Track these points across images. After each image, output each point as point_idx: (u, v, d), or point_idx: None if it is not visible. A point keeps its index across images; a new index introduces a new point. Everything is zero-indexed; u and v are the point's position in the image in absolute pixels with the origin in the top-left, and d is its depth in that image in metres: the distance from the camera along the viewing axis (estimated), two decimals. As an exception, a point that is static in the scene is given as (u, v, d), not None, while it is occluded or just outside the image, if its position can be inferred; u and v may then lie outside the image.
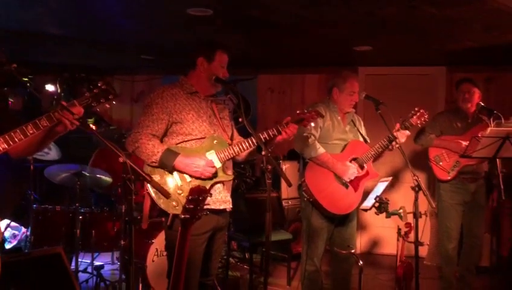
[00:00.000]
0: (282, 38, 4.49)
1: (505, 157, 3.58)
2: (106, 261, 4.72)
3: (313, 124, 2.84)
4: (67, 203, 4.28)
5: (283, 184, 5.35)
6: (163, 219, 2.62)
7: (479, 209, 4.12)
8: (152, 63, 5.79)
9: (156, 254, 3.86)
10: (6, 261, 3.21)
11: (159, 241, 3.83)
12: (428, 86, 5.81)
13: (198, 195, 1.79)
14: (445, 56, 5.17)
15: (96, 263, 4.30)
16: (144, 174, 1.81)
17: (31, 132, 1.81)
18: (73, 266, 3.90)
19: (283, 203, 5.26)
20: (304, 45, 4.69)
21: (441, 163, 4.06)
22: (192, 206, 1.78)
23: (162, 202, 2.48)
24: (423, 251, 5.36)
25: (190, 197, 1.78)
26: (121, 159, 1.77)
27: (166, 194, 2.01)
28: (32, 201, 4.27)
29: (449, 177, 4.03)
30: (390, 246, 5.47)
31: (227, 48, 2.72)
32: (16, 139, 1.77)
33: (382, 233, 5.82)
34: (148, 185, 2.49)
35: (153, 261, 3.83)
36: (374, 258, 5.70)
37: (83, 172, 4.07)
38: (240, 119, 2.47)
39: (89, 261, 4.41)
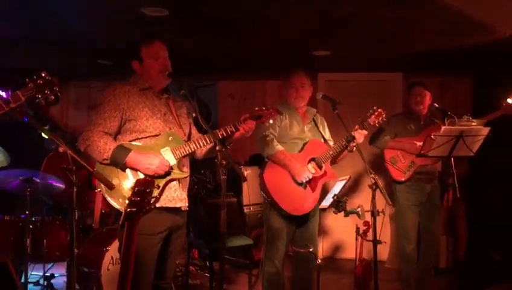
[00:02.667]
0: (239, 40, 4.46)
1: (459, 156, 3.65)
2: (60, 273, 4.50)
3: (271, 121, 2.80)
4: (16, 211, 4.06)
5: (244, 189, 5.31)
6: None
7: (434, 209, 4.20)
8: (109, 69, 5.65)
9: (112, 262, 3.72)
10: None
11: (114, 249, 3.70)
12: (386, 92, 5.92)
13: (144, 187, 1.71)
14: (401, 62, 5.28)
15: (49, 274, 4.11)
16: (85, 165, 1.71)
17: None
18: (23, 279, 3.71)
19: (244, 209, 5.22)
20: (262, 46, 4.67)
21: (396, 164, 4.12)
22: (138, 198, 1.70)
23: (113, 200, 2.37)
24: (384, 254, 5.42)
25: (136, 189, 1.70)
26: (61, 149, 1.68)
27: (110, 186, 1.92)
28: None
29: (404, 178, 4.09)
30: (352, 250, 5.49)
31: (152, 37, 2.65)
32: None
33: (344, 238, 5.83)
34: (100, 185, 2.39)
35: (108, 269, 3.69)
36: (336, 263, 5.71)
37: (34, 178, 3.89)
38: (194, 115, 2.40)
39: (41, 273, 4.20)
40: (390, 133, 4.20)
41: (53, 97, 2.01)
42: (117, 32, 4.16)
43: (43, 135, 5.61)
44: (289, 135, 3.44)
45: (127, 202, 1.73)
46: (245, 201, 5.26)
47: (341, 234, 5.81)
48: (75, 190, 1.68)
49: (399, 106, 5.79)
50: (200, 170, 5.06)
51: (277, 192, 3.28)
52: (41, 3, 3.47)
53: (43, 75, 1.93)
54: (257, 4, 3.44)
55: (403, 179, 4.10)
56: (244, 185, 5.23)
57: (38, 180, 3.91)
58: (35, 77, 1.93)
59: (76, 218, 3.76)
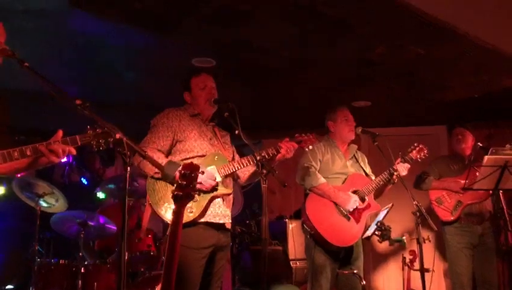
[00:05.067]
0: (280, 90, 4.69)
1: (507, 189, 3.56)
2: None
3: (310, 147, 2.93)
4: (70, 254, 4.25)
5: (290, 243, 5.28)
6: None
7: (489, 253, 4.01)
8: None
9: (156, 304, 3.75)
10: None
11: (159, 291, 3.74)
12: (430, 146, 5.88)
13: (190, 171, 1.84)
14: (443, 112, 5.32)
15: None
16: (138, 149, 1.88)
17: (16, 156, 1.89)
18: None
19: (291, 263, 5.15)
20: (301, 98, 4.88)
21: (443, 204, 4.05)
22: (184, 182, 1.83)
23: (159, 210, 2.51)
24: None
25: (182, 172, 1.84)
26: (117, 135, 1.85)
27: (160, 168, 2.06)
28: (36, 254, 4.24)
29: (452, 218, 4.00)
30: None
31: (201, 70, 2.95)
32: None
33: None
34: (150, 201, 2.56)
35: (153, 312, 3.72)
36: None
37: (88, 222, 4.10)
38: (237, 132, 2.57)
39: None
40: (434, 174, 4.19)
41: (104, 146, 2.03)
42: (170, 87, 4.53)
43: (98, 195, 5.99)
44: (331, 169, 3.50)
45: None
46: (291, 255, 5.20)
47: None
48: (128, 170, 1.82)
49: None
50: (245, 221, 5.14)
51: (320, 223, 3.30)
52: (103, 58, 3.90)
53: (103, 126, 2.00)
54: (295, 50, 3.71)
55: (451, 218, 4.00)
56: (290, 239, 5.22)
57: (92, 224, 4.11)
58: (95, 126, 2.02)
59: (126, 259, 3.97)
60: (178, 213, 1.85)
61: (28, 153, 1.91)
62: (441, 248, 4.48)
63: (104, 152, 6.62)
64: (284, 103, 5.14)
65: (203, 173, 2.10)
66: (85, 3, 2.94)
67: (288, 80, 4.47)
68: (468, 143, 4.14)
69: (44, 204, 4.27)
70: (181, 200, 1.85)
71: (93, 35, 3.44)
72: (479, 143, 4.11)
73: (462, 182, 3.83)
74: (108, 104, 4.81)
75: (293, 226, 5.33)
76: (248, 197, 6.24)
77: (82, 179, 6.34)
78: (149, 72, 4.23)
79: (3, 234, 5.15)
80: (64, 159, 6.30)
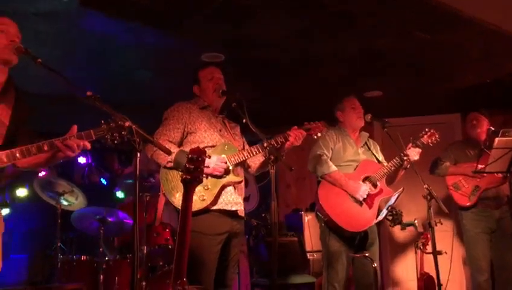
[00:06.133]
0: (288, 84, 4.73)
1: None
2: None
3: (319, 134, 2.97)
4: (91, 251, 4.37)
5: (306, 235, 5.32)
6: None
7: (507, 237, 3.99)
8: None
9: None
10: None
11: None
12: (444, 134, 5.85)
13: (197, 155, 1.91)
14: (456, 99, 5.29)
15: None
16: (147, 136, 1.95)
17: (34, 151, 1.98)
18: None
19: (308, 255, 5.19)
20: (310, 92, 4.90)
21: (460, 190, 4.04)
22: (192, 166, 1.90)
23: (172, 198, 2.60)
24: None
25: (190, 156, 1.91)
26: (127, 123, 1.93)
27: (167, 151, 2.13)
28: (58, 251, 4.37)
29: (470, 203, 3.99)
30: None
31: (208, 63, 3.07)
32: (18, 155, 1.95)
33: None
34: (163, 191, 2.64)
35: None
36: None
37: (108, 218, 4.21)
38: (244, 121, 2.63)
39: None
40: (449, 160, 4.18)
41: (119, 139, 2.08)
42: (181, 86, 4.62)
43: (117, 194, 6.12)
44: (343, 157, 3.54)
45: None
46: (308, 247, 5.24)
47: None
48: (138, 155, 1.89)
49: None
50: (260, 214, 5.20)
51: (333, 210, 3.34)
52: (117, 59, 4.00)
53: (117, 119, 2.06)
54: (302, 44, 3.75)
55: (468, 203, 3.99)
56: (306, 231, 5.26)
57: (111, 220, 4.23)
58: (109, 120, 2.07)
59: (145, 253, 4.07)
60: (187, 197, 1.92)
61: (45, 148, 2.00)
62: (460, 233, 4.49)
63: (122, 152, 6.84)
64: (294, 97, 5.18)
65: (209, 157, 2.17)
66: (95, 2, 3.03)
67: (296, 74, 4.50)
68: (483, 128, 4.12)
69: (64, 202, 4.41)
70: (190, 183, 1.92)
71: (104, 35, 3.53)
72: (491, 127, 4.10)
73: (480, 167, 3.81)
74: (119, 104, 4.89)
75: (309, 218, 5.36)
76: (264, 192, 6.32)
77: (101, 179, 6.50)
78: (160, 71, 4.32)
79: (27, 234, 5.32)
80: (83, 160, 6.51)
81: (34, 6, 3.02)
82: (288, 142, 2.83)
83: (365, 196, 3.35)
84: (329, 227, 3.39)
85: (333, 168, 3.41)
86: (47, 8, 3.05)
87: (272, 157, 2.45)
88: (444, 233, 4.80)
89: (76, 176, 6.42)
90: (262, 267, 4.61)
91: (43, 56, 2.09)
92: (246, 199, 2.93)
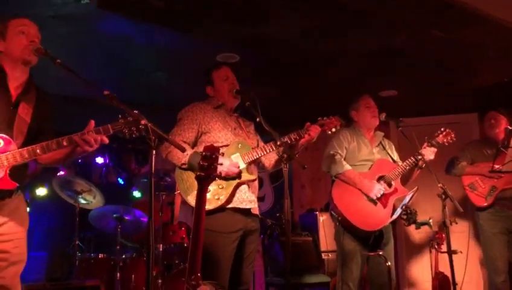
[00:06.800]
0: (304, 84, 4.73)
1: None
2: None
3: (333, 129, 2.99)
4: (109, 249, 4.44)
5: (321, 235, 5.32)
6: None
7: (524, 238, 3.94)
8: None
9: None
10: (48, 288, 3.37)
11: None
12: (461, 135, 5.79)
13: (211, 152, 1.94)
14: (473, 99, 5.24)
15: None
16: (162, 134, 1.99)
17: (54, 147, 2.04)
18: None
19: (322, 255, 5.19)
20: (327, 91, 4.91)
21: (477, 190, 4.00)
22: (206, 163, 1.93)
23: (188, 197, 2.63)
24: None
25: (203, 154, 1.94)
26: (143, 121, 1.97)
27: (181, 148, 2.17)
28: (77, 249, 4.46)
29: (486, 203, 3.95)
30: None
31: (220, 64, 3.08)
32: (39, 151, 2.01)
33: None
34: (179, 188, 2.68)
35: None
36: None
37: (125, 216, 4.28)
38: (258, 119, 2.66)
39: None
40: (466, 159, 4.14)
41: (137, 133, 2.10)
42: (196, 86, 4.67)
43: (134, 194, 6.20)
44: (357, 157, 3.54)
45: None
46: (322, 247, 5.24)
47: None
48: (154, 153, 1.93)
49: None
50: (275, 214, 5.22)
51: (348, 209, 3.34)
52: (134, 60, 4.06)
53: (136, 112, 2.09)
54: (314, 43, 3.76)
55: (484, 204, 3.95)
56: (321, 231, 5.26)
57: (128, 218, 4.29)
58: (126, 114, 2.10)
59: (161, 251, 4.12)
60: (201, 193, 1.95)
61: (65, 143, 2.05)
62: (477, 234, 4.45)
63: (139, 152, 6.93)
64: (309, 96, 5.19)
65: (223, 154, 2.19)
66: (112, 4, 3.08)
67: (312, 74, 4.51)
68: (502, 127, 4.07)
69: (83, 201, 4.49)
70: (204, 180, 1.95)
71: (120, 36, 3.59)
72: (508, 126, 4.04)
73: (496, 166, 3.77)
74: (135, 105, 4.98)
75: (323, 218, 5.36)
76: (279, 193, 6.34)
77: (118, 179, 6.60)
78: (175, 72, 4.37)
79: (46, 232, 5.43)
80: (101, 161, 6.62)
81: (53, 10, 3.09)
82: (302, 139, 2.85)
83: (379, 195, 3.35)
84: (344, 226, 3.39)
85: (347, 167, 3.42)
86: (65, 11, 3.11)
87: (285, 156, 2.46)
88: (460, 234, 4.76)
89: (94, 176, 6.53)
90: (277, 267, 4.63)
91: (60, 58, 2.15)
92: (260, 199, 2.95)
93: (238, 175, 2.72)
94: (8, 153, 1.99)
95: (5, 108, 2.09)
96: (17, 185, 2.08)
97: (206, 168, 1.93)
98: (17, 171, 2.06)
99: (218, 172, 2.60)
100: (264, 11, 3.24)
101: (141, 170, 6.71)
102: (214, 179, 2.01)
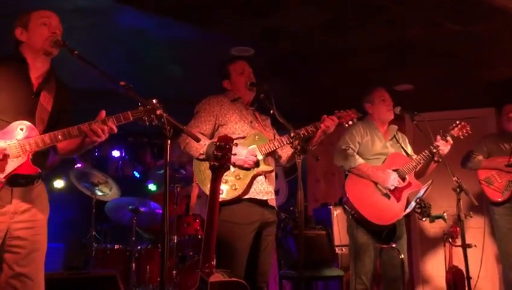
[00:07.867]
0: (319, 77, 4.73)
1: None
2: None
3: (350, 122, 2.99)
4: (124, 240, 4.52)
5: (335, 230, 5.32)
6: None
7: (541, 234, 3.90)
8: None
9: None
10: (66, 277, 3.45)
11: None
12: (477, 129, 5.73)
13: (225, 142, 1.97)
14: (490, 93, 5.18)
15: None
16: (177, 124, 2.01)
17: (75, 133, 2.07)
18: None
19: (336, 249, 5.19)
20: (342, 84, 4.90)
21: (492, 184, 3.97)
22: (220, 153, 1.96)
23: (205, 188, 2.67)
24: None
25: (218, 144, 1.97)
26: (158, 112, 2.00)
27: (196, 138, 2.19)
28: (93, 240, 4.54)
29: (502, 198, 3.91)
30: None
31: (237, 57, 3.10)
32: (60, 137, 2.04)
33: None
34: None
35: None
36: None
37: (140, 208, 4.34)
38: (272, 112, 2.68)
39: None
40: (482, 153, 4.10)
41: (156, 121, 2.11)
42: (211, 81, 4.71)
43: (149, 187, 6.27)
44: (371, 151, 3.53)
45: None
46: (336, 241, 5.24)
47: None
48: (169, 143, 1.95)
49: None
50: (289, 208, 5.24)
51: (361, 203, 3.34)
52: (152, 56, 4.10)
53: (154, 101, 2.10)
54: (329, 36, 3.75)
55: (500, 199, 3.92)
56: (335, 225, 5.27)
57: (143, 210, 4.36)
58: (145, 102, 2.12)
59: (175, 242, 4.17)
60: (215, 183, 1.98)
61: (74, 132, 2.08)
62: (492, 230, 4.40)
63: (155, 146, 7.00)
64: (324, 89, 5.18)
65: (236, 145, 2.21)
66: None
67: (327, 66, 4.50)
68: None
69: (99, 193, 4.57)
70: (217, 170, 1.98)
71: (137, 30, 3.63)
72: (524, 120, 4.01)
73: (515, 161, 3.74)
74: (151, 98, 5.03)
75: (337, 212, 5.35)
76: (293, 187, 6.34)
77: (134, 172, 6.68)
78: (190, 65, 4.40)
79: (64, 223, 5.53)
80: (117, 154, 6.70)
81: (72, 3, 3.14)
82: (319, 131, 2.86)
83: (396, 184, 3.33)
84: (357, 220, 3.39)
85: (360, 160, 3.41)
86: (84, 4, 3.16)
87: (299, 147, 2.48)
88: (476, 229, 4.72)
89: (111, 169, 6.62)
90: (290, 260, 4.64)
91: (77, 51, 2.19)
92: (275, 193, 2.97)
93: (256, 164, 2.74)
94: (31, 138, 2.04)
95: (27, 96, 2.15)
96: (39, 171, 2.12)
97: (220, 158, 1.95)
98: (37, 159, 2.11)
99: (232, 162, 2.66)
100: (280, 4, 3.25)
101: (156, 163, 6.79)
102: (228, 169, 2.04)
